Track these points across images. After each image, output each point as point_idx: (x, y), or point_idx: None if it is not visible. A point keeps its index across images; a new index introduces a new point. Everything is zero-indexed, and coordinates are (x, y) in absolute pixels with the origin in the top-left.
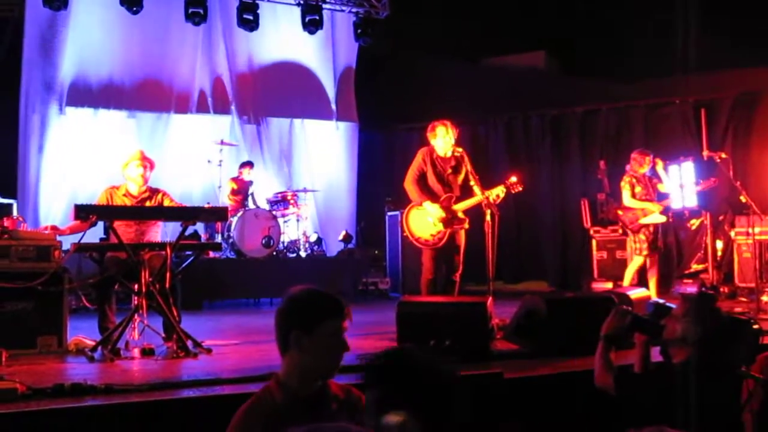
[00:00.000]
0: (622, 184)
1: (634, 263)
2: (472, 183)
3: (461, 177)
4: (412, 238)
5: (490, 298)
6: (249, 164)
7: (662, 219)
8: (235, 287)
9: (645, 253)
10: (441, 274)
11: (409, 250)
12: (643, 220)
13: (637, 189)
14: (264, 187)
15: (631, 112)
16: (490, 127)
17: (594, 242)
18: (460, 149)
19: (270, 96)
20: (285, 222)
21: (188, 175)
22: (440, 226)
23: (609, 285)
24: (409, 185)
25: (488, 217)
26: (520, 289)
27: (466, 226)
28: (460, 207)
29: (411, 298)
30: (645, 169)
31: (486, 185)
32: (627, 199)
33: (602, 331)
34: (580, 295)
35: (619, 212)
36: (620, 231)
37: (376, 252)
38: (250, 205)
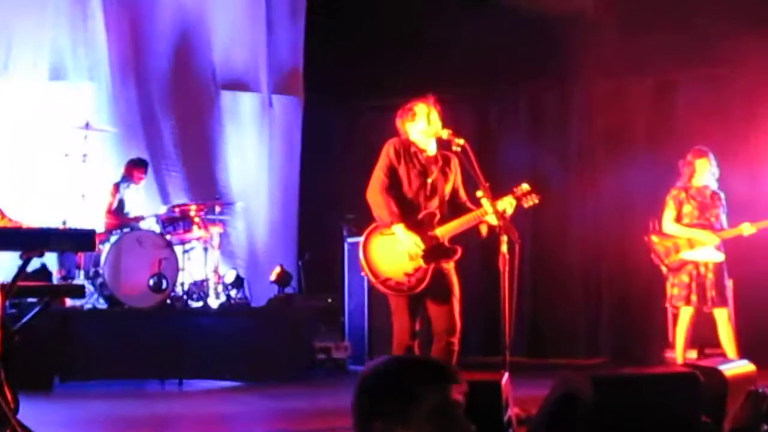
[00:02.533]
0: (667, 199)
1: (683, 316)
2: (480, 194)
3: (450, 184)
4: (376, 279)
5: (506, 376)
6: (141, 164)
7: (717, 257)
8: (106, 358)
9: (680, 303)
10: (425, 338)
11: (381, 298)
12: (687, 255)
13: (686, 208)
14: (153, 197)
15: (731, 84)
16: (505, 104)
17: (670, 288)
18: (461, 141)
19: (165, 54)
20: (186, 252)
21: (34, 178)
22: (419, 261)
23: (692, 354)
24: (375, 196)
25: (504, 248)
26: (551, 363)
27: (456, 257)
28: (447, 230)
29: None
30: (703, 178)
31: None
32: (668, 222)
33: (727, 425)
34: (645, 372)
35: (654, 239)
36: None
37: (330, 300)
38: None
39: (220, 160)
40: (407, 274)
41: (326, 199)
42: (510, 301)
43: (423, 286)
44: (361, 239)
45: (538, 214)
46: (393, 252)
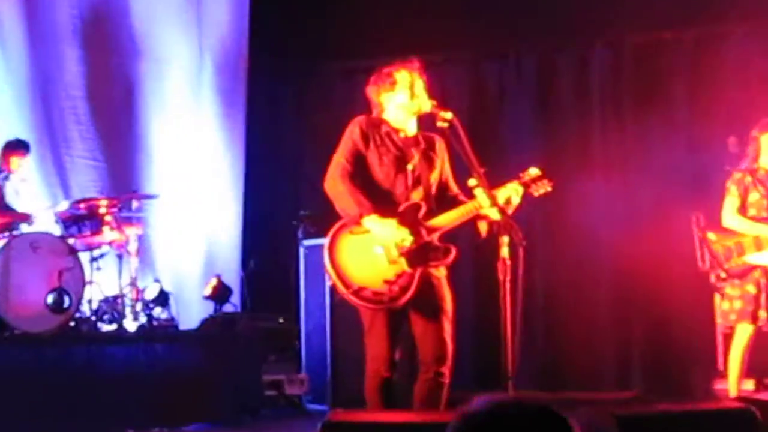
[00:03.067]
0: (728, 184)
1: (740, 337)
2: (473, 183)
3: (437, 172)
4: (348, 288)
5: None
6: (20, 147)
7: None
8: None
9: (743, 321)
10: (405, 366)
11: (346, 317)
12: (754, 259)
13: (753, 196)
14: (51, 190)
15: None
16: (507, 68)
17: (720, 301)
18: (448, 115)
19: (65, 7)
20: (94, 261)
21: None
22: (401, 264)
23: (749, 385)
24: (335, 185)
25: (504, 251)
26: (568, 398)
27: (449, 259)
28: (437, 225)
29: (348, 417)
30: None
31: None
32: (729, 214)
33: None
34: (687, 409)
35: (711, 236)
36: (713, 276)
37: (281, 320)
38: (24, 229)
39: (139, 143)
40: (388, 282)
41: (277, 192)
42: (513, 318)
43: (408, 296)
44: (326, 240)
45: (551, 206)
46: (368, 255)
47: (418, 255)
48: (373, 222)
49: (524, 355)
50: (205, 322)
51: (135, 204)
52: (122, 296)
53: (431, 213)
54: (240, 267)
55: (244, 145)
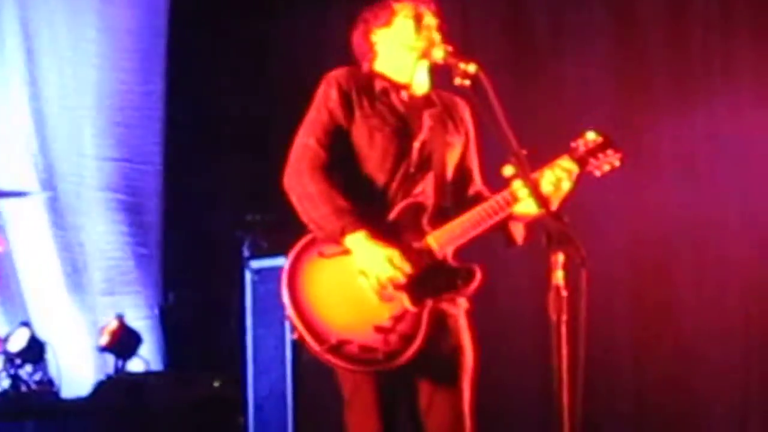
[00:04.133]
0: None
1: None
2: (509, 171)
3: (457, 152)
4: (321, 343)
5: None
6: None
7: None
8: None
9: None
10: None
11: (317, 378)
12: None
13: None
14: None
15: None
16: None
17: None
18: (472, 68)
19: None
20: None
21: None
22: (401, 300)
23: None
24: (301, 183)
25: (558, 275)
26: None
27: (471, 287)
28: (449, 235)
29: None
30: None
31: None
32: None
33: None
34: None
35: None
36: None
37: (217, 384)
38: None
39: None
40: (381, 330)
41: (210, 185)
42: (573, 374)
43: (413, 349)
44: (286, 267)
45: (630, 196)
46: (349, 288)
47: (426, 283)
48: (358, 242)
49: (593, 428)
50: (100, 387)
51: None
52: None
53: (444, 215)
54: (159, 299)
55: (160, 118)
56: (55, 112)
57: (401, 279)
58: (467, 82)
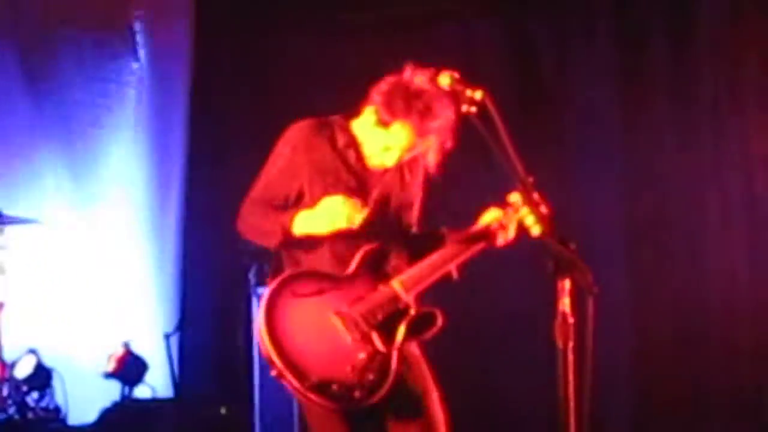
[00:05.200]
0: None
1: None
2: (514, 198)
3: (411, 205)
4: (303, 382)
5: None
6: None
7: None
8: None
9: None
10: None
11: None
12: None
13: None
14: None
15: None
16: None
17: None
18: (479, 94)
19: None
20: None
21: None
22: (373, 341)
23: None
24: (243, 220)
25: (565, 302)
26: None
27: (435, 329)
28: (414, 279)
29: None
30: None
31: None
32: None
33: None
34: None
35: None
36: None
37: (223, 411)
38: None
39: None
40: (357, 369)
41: (219, 212)
42: (580, 404)
43: (385, 389)
44: (261, 304)
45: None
46: (322, 328)
47: (393, 325)
48: (305, 215)
49: None
50: (106, 414)
51: None
52: None
53: (401, 249)
54: (164, 330)
55: (181, 145)
56: None
57: (358, 215)
58: (473, 109)
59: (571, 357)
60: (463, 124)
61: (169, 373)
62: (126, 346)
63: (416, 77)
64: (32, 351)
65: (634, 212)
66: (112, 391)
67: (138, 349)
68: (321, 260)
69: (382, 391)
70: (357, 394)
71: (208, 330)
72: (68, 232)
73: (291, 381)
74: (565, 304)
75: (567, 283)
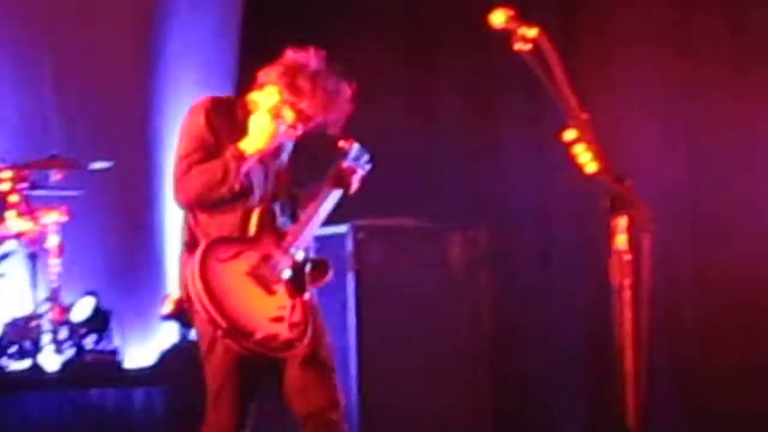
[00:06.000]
0: None
1: None
2: (571, 135)
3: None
4: (238, 333)
5: None
6: None
7: None
8: None
9: None
10: None
11: (383, 344)
12: None
13: None
14: None
15: None
16: None
17: None
18: (533, 32)
19: None
20: None
21: None
22: (285, 292)
23: None
24: (186, 189)
25: (621, 239)
26: None
27: (327, 277)
28: (301, 231)
29: None
30: None
31: None
32: None
33: None
34: None
35: None
36: None
37: None
38: None
39: (63, 78)
40: (276, 320)
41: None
42: (636, 343)
43: (308, 336)
44: (195, 272)
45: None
46: (246, 287)
47: (298, 278)
48: (248, 141)
49: (656, 398)
50: (164, 357)
51: (55, 176)
52: (37, 318)
53: (288, 217)
54: None
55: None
56: None
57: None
58: (527, 47)
59: (627, 294)
60: (519, 60)
61: None
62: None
63: (313, 59)
64: (90, 293)
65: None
66: (170, 333)
67: None
68: (224, 226)
69: (307, 338)
70: (297, 344)
71: None
72: (129, 178)
73: (239, 339)
74: (620, 241)
75: (622, 221)
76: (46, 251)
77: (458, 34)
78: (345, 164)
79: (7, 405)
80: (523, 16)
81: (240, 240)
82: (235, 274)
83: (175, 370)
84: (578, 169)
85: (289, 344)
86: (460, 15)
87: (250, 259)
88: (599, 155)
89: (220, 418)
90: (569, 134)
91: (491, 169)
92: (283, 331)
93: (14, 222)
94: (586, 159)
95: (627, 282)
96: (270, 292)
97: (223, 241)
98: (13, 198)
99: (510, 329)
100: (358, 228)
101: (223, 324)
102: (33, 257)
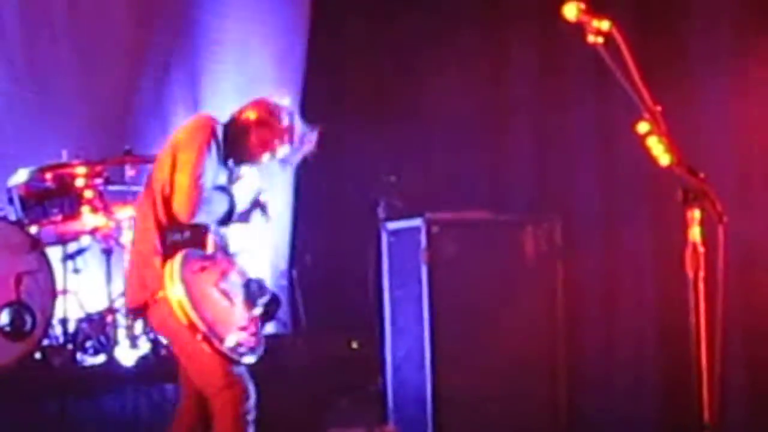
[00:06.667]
0: None
1: None
2: (645, 129)
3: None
4: (214, 338)
5: None
6: None
7: None
8: None
9: None
10: None
11: (455, 338)
12: None
13: None
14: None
15: None
16: None
17: None
18: (606, 24)
19: None
20: (69, 260)
21: None
22: (242, 307)
23: None
24: (197, 209)
25: (695, 231)
26: None
27: None
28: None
29: None
30: None
31: None
32: None
33: None
34: None
35: None
36: None
37: (355, 346)
38: None
39: (137, 77)
40: (242, 329)
41: (345, 148)
42: (711, 334)
43: (262, 345)
44: (178, 279)
45: None
46: (213, 298)
47: (248, 294)
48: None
49: (731, 390)
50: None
51: (130, 172)
52: (113, 312)
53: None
54: (289, 264)
55: (301, 74)
56: None
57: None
58: (600, 40)
59: (701, 286)
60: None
61: (295, 308)
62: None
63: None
64: None
65: None
66: None
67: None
68: (187, 242)
69: (261, 350)
70: (257, 351)
71: (332, 265)
72: None
73: (213, 342)
74: (694, 233)
75: (696, 213)
76: (120, 246)
77: (528, 25)
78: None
79: (82, 400)
80: (595, 9)
81: (203, 255)
82: (206, 285)
83: (252, 364)
84: (650, 161)
85: (252, 351)
86: (529, 6)
87: (213, 274)
88: (672, 147)
89: (242, 384)
90: (642, 126)
91: (561, 161)
92: (248, 340)
93: (89, 218)
94: (659, 151)
95: (701, 274)
96: (233, 304)
97: (193, 255)
98: (88, 194)
99: (582, 321)
100: (432, 221)
101: (203, 328)
102: (108, 253)
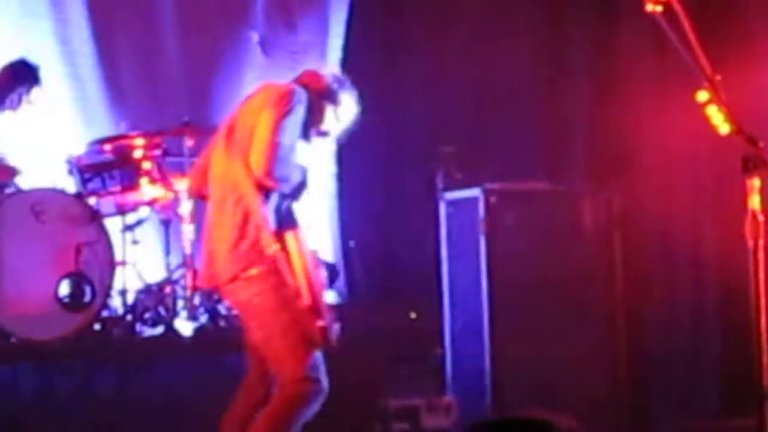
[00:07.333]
0: None
1: None
2: (704, 97)
3: None
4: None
5: None
6: (20, 73)
7: None
8: None
9: None
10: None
11: (514, 310)
12: None
13: None
14: (57, 125)
15: None
16: None
17: None
18: None
19: None
20: (128, 231)
21: None
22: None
23: None
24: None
25: (756, 200)
26: None
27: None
28: None
29: None
30: None
31: None
32: None
33: None
34: None
35: None
36: None
37: (413, 315)
38: (21, 185)
39: (190, 50)
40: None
41: (402, 118)
42: None
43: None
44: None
45: None
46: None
47: None
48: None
49: None
50: None
51: (189, 143)
52: (172, 284)
53: None
54: (343, 236)
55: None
56: None
57: None
58: (659, 9)
59: (761, 255)
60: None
61: (352, 279)
62: (314, 252)
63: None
64: None
65: None
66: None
67: (325, 254)
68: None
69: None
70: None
71: (390, 235)
72: None
73: (311, 318)
74: (754, 202)
75: (756, 181)
76: (179, 218)
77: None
78: None
79: (141, 371)
80: None
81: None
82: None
83: None
84: (710, 130)
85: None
86: None
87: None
88: (731, 117)
89: (320, 384)
90: (702, 95)
91: (619, 130)
92: (331, 323)
93: (147, 189)
94: (719, 120)
95: (761, 242)
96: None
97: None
98: (147, 165)
99: (641, 290)
100: (490, 192)
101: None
102: (166, 224)
